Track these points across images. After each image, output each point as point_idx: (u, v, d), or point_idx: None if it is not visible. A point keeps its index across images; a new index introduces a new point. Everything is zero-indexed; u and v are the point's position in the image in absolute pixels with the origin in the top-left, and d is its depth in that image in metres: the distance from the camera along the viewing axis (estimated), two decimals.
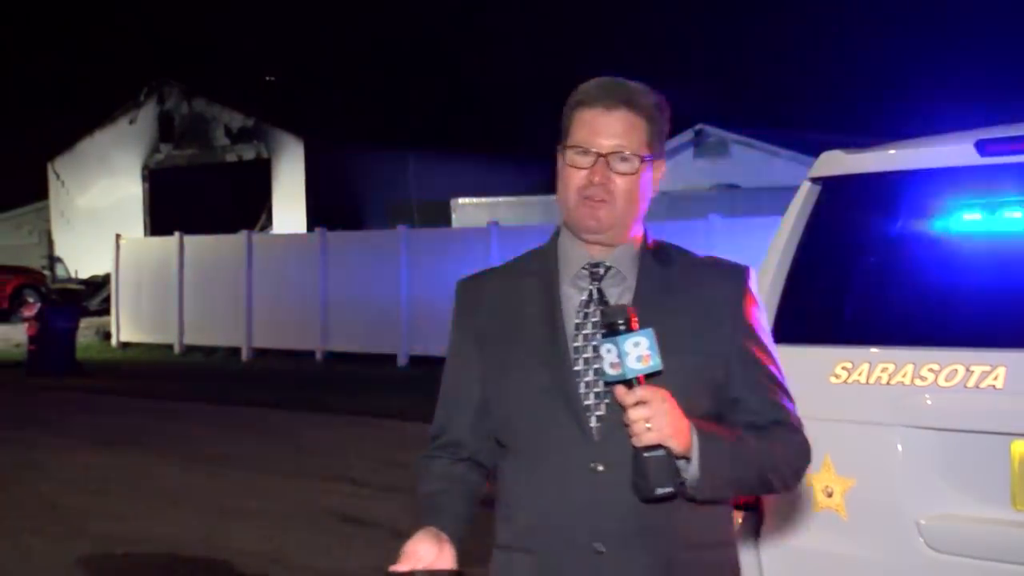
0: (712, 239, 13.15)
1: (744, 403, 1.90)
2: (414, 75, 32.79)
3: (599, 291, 1.91)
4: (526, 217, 19.10)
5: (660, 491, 1.75)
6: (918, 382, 2.66)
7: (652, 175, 1.91)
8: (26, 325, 16.57)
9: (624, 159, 1.87)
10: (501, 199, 21.39)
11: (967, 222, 2.81)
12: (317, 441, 10.20)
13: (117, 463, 9.10)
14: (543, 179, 26.54)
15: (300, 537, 6.63)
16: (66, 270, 28.43)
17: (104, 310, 21.81)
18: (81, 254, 28.35)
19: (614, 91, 1.89)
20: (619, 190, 1.87)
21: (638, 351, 1.73)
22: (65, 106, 32.25)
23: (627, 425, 1.75)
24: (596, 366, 1.85)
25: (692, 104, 22.19)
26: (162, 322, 19.03)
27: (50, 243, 30.11)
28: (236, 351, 17.93)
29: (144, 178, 28.81)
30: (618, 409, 1.78)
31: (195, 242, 18.93)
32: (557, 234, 2.00)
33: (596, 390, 1.86)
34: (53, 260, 29.05)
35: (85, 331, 18.65)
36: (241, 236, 18.40)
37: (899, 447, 2.67)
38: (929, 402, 2.64)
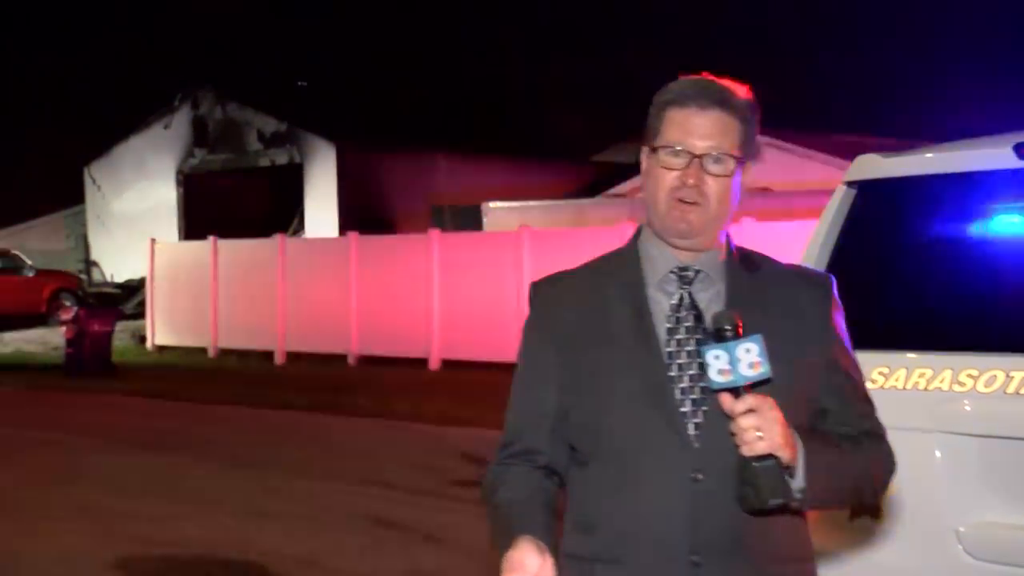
0: (745, 243, 13.05)
1: (835, 413, 1.87)
2: (446, 79, 32.89)
3: (690, 295, 1.86)
4: (557, 221, 19.08)
5: (773, 502, 1.70)
6: (956, 388, 2.63)
7: (742, 178, 1.86)
8: (63, 328, 16.75)
9: (718, 160, 1.82)
10: (532, 203, 21.39)
11: (1005, 226, 2.78)
12: (349, 444, 10.24)
13: (152, 465, 9.18)
14: (574, 183, 26.52)
15: (333, 540, 6.66)
16: (102, 274, 28.71)
17: (139, 313, 22.01)
18: (117, 258, 28.63)
19: (709, 90, 1.84)
20: (712, 192, 1.82)
21: (749, 358, 1.69)
22: (101, 111, 32.59)
23: (733, 434, 1.70)
24: (691, 372, 1.81)
25: None
26: (196, 325, 19.18)
27: (86, 247, 30.43)
28: (269, 354, 18.04)
29: (179, 182, 29.06)
30: (717, 417, 1.75)
31: (229, 246, 19.08)
32: (637, 235, 1.94)
33: (692, 396, 1.81)
34: (89, 264, 29.35)
35: (121, 334, 18.82)
36: (274, 240, 18.52)
37: (937, 453, 2.64)
38: (968, 408, 2.61)
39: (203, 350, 19.01)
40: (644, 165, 1.90)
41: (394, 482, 8.27)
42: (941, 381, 2.66)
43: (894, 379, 2.73)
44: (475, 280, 15.96)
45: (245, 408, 12.65)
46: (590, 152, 30.70)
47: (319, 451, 9.86)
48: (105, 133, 30.13)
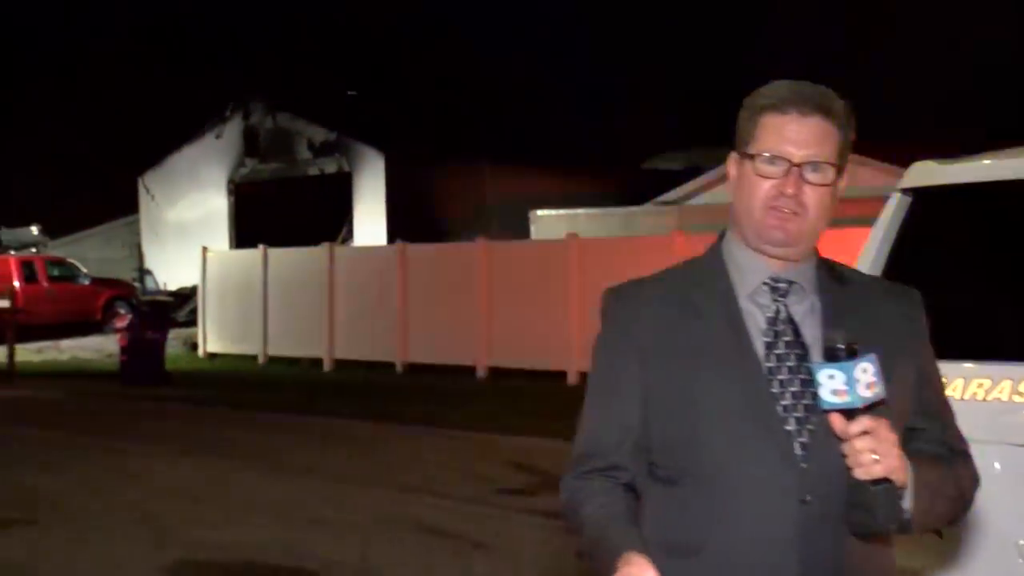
0: None
1: (927, 432, 1.82)
2: (493, 87, 32.98)
3: (786, 308, 1.78)
4: (605, 229, 19.03)
5: (889, 526, 1.66)
6: (1016, 399, 2.58)
7: (839, 187, 1.79)
8: (118, 336, 17.01)
9: (817, 169, 1.75)
10: (580, 211, 21.35)
11: None
12: (398, 451, 10.28)
13: (204, 471, 9.28)
14: (623, 190, 26.43)
15: (382, 547, 6.68)
16: (155, 282, 29.13)
17: (191, 321, 22.29)
18: (169, 266, 29.04)
19: (808, 96, 1.77)
20: (811, 202, 1.75)
21: (866, 378, 1.62)
22: (155, 122, 33.11)
23: (844, 456, 1.64)
24: (793, 389, 1.73)
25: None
26: (247, 333, 19.39)
27: (140, 256, 30.90)
28: (318, 362, 18.18)
29: (230, 192, 29.42)
30: (824, 437, 1.68)
31: (278, 254, 19.27)
32: (719, 242, 1.87)
33: (796, 415, 1.73)
34: (143, 272, 29.79)
35: (173, 342, 19.07)
36: (323, 248, 18.67)
37: (997, 465, 2.59)
38: None
39: (253, 357, 19.22)
40: (733, 171, 1.83)
41: (443, 490, 8.29)
42: (1000, 392, 2.61)
43: (951, 389, 2.68)
44: (523, 288, 15.96)
45: (295, 415, 12.75)
46: (640, 159, 30.61)
47: (368, 458, 9.91)
48: (159, 144, 30.61)
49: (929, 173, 2.96)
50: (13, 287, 22.43)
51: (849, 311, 1.79)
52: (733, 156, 1.84)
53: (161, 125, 31.87)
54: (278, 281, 19.05)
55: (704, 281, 1.83)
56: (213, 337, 20.12)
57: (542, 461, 9.31)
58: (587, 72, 36.14)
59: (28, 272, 23.93)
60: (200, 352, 20.25)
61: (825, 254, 1.89)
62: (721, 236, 1.88)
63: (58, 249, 28.70)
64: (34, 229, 26.88)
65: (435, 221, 25.32)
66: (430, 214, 25.58)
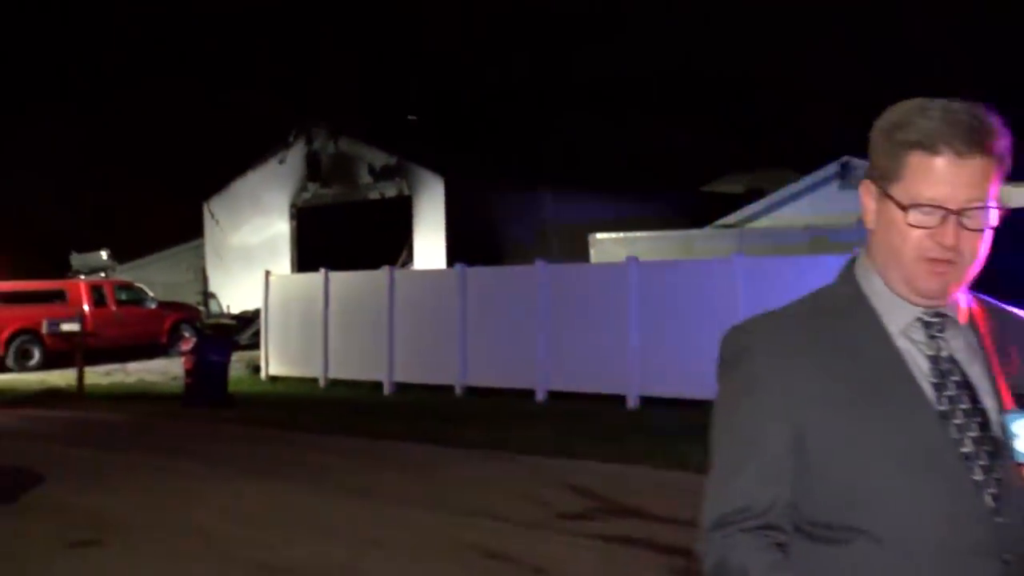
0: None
1: None
2: (551, 110, 33.06)
3: (947, 345, 1.62)
4: (665, 252, 18.93)
5: None
6: None
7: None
8: (182, 359, 17.26)
9: (978, 214, 1.55)
10: (640, 234, 21.28)
11: None
12: (456, 475, 10.27)
13: (265, 493, 9.36)
14: (683, 213, 26.29)
15: (441, 571, 6.67)
16: (219, 305, 29.57)
17: (254, 344, 22.55)
18: (233, 290, 29.48)
19: (969, 133, 1.54)
20: (968, 248, 1.56)
21: None
22: (219, 148, 33.74)
23: None
24: (972, 434, 1.56)
25: (837, 134, 21.65)
26: (308, 356, 19.57)
27: (204, 279, 31.41)
28: (378, 385, 18.28)
29: (292, 216, 29.82)
30: (1015, 487, 1.54)
31: (339, 278, 19.45)
32: (851, 269, 1.69)
33: (980, 463, 1.55)
34: (207, 296, 30.27)
35: (236, 364, 19.31)
36: (383, 272, 18.81)
37: None
38: None
39: (314, 380, 19.38)
40: (871, 204, 1.63)
41: (501, 513, 8.26)
42: None
43: None
44: (582, 311, 15.92)
45: (355, 437, 12.82)
46: (700, 182, 30.45)
47: (427, 481, 9.92)
48: (224, 170, 31.18)
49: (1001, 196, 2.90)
50: (83, 311, 22.95)
51: (1003, 349, 1.62)
52: (871, 187, 1.63)
53: (226, 151, 32.47)
54: (339, 304, 19.22)
55: (849, 316, 1.64)
56: (275, 360, 20.35)
57: (602, 486, 9.24)
58: (649, 95, 36.08)
59: (97, 296, 24.43)
60: (262, 375, 20.47)
61: None
62: (851, 261, 1.71)
63: (126, 273, 29.29)
64: (103, 254, 27.45)
65: (495, 244, 25.41)
66: (490, 237, 25.67)
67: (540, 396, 16.09)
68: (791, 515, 1.61)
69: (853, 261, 1.70)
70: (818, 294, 1.69)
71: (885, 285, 1.63)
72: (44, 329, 21.31)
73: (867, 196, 1.64)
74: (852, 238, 15.89)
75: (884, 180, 1.60)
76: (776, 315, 1.68)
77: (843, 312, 1.64)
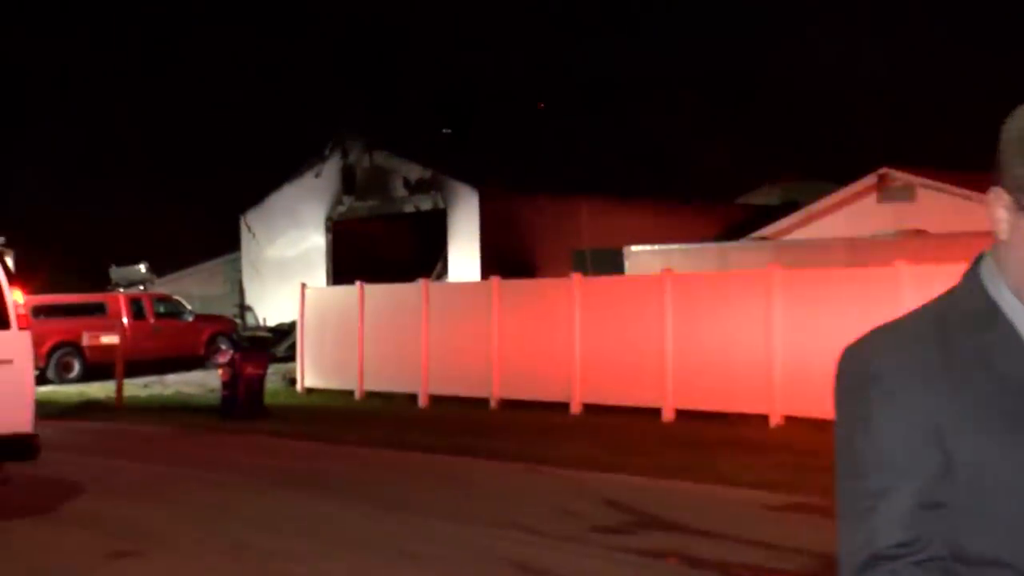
0: (899, 287, 12.62)
1: None
2: (586, 123, 33.07)
3: None
4: (700, 264, 18.84)
5: None
6: None
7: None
8: (219, 371, 17.40)
9: None
10: (675, 247, 21.19)
11: None
12: (491, 487, 10.26)
13: (302, 505, 9.40)
14: (719, 226, 26.19)
15: None
16: (255, 318, 29.79)
17: (290, 356, 22.68)
18: (269, 302, 29.69)
19: None
20: None
21: None
22: (256, 162, 34.07)
23: None
24: None
25: (874, 146, 21.50)
26: (344, 368, 19.65)
27: (241, 292, 31.66)
28: (413, 397, 18.32)
29: (328, 229, 30.01)
30: None
31: (375, 291, 19.53)
32: (977, 277, 1.55)
33: None
34: (244, 309, 30.51)
35: (272, 376, 19.43)
36: (418, 284, 18.87)
37: None
38: None
39: (350, 392, 19.45)
40: (1003, 217, 1.50)
41: (536, 526, 8.23)
42: None
43: None
44: (617, 324, 15.88)
45: (390, 450, 12.85)
46: (736, 194, 30.31)
47: (462, 494, 9.91)
48: (260, 183, 31.47)
49: None
50: (122, 324, 23.21)
51: None
52: (1004, 197, 1.50)
53: (262, 165, 32.78)
54: (374, 317, 19.29)
55: (980, 331, 1.51)
56: (311, 372, 20.44)
57: (636, 499, 9.19)
58: (685, 106, 35.99)
59: (136, 309, 24.69)
60: (298, 387, 20.58)
61: None
62: (974, 270, 1.56)
63: (164, 286, 29.57)
64: (142, 267, 27.75)
65: (529, 257, 25.43)
66: (524, 250, 25.70)
67: (575, 409, 16.05)
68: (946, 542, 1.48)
69: (976, 269, 1.56)
70: (940, 305, 1.55)
71: (1021, 302, 1.51)
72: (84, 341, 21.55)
73: (998, 206, 1.51)
74: (890, 250, 15.72)
75: (1020, 193, 1.47)
76: (898, 330, 1.55)
77: (969, 323, 1.51)
